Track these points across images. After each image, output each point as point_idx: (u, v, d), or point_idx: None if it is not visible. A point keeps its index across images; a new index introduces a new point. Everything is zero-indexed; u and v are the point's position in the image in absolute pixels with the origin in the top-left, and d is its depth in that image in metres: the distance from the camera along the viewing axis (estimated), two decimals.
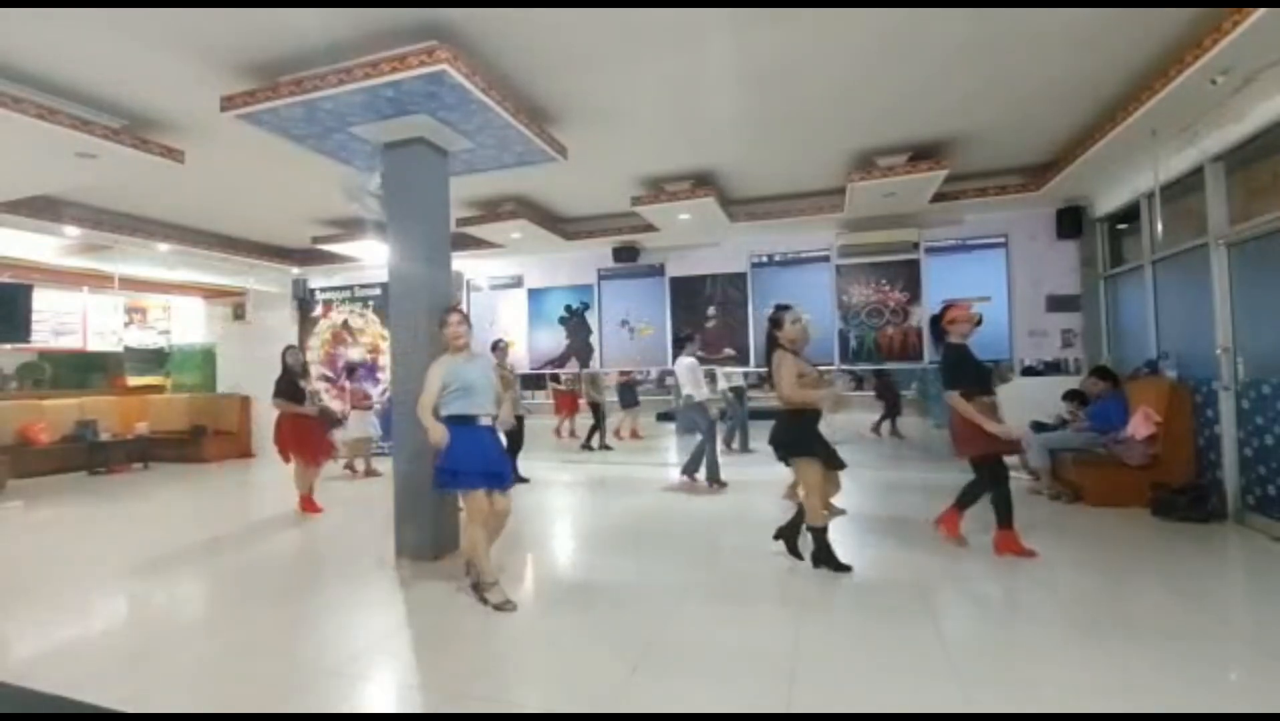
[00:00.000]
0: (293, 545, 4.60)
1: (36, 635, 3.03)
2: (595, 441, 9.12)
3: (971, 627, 2.88)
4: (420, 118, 3.86)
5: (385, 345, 8.45)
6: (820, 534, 3.60)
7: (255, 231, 7.68)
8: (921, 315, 7.01)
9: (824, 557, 3.57)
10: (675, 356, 6.56)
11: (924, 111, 4.53)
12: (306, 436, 5.53)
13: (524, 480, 6.38)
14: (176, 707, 2.30)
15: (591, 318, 8.31)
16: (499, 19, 3.23)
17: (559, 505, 5.82)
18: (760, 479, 6.13)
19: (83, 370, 9.01)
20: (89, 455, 7.96)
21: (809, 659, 2.52)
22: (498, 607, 3.08)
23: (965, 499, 3.96)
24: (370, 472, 7.27)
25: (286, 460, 5.55)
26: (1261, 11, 3.00)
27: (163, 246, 7.06)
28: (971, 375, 3.78)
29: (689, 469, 6.16)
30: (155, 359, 9.66)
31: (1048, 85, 4.13)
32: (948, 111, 4.54)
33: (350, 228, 7.30)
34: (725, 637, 2.79)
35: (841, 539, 4.27)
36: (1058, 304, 6.60)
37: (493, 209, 6.61)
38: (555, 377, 10.28)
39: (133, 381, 9.29)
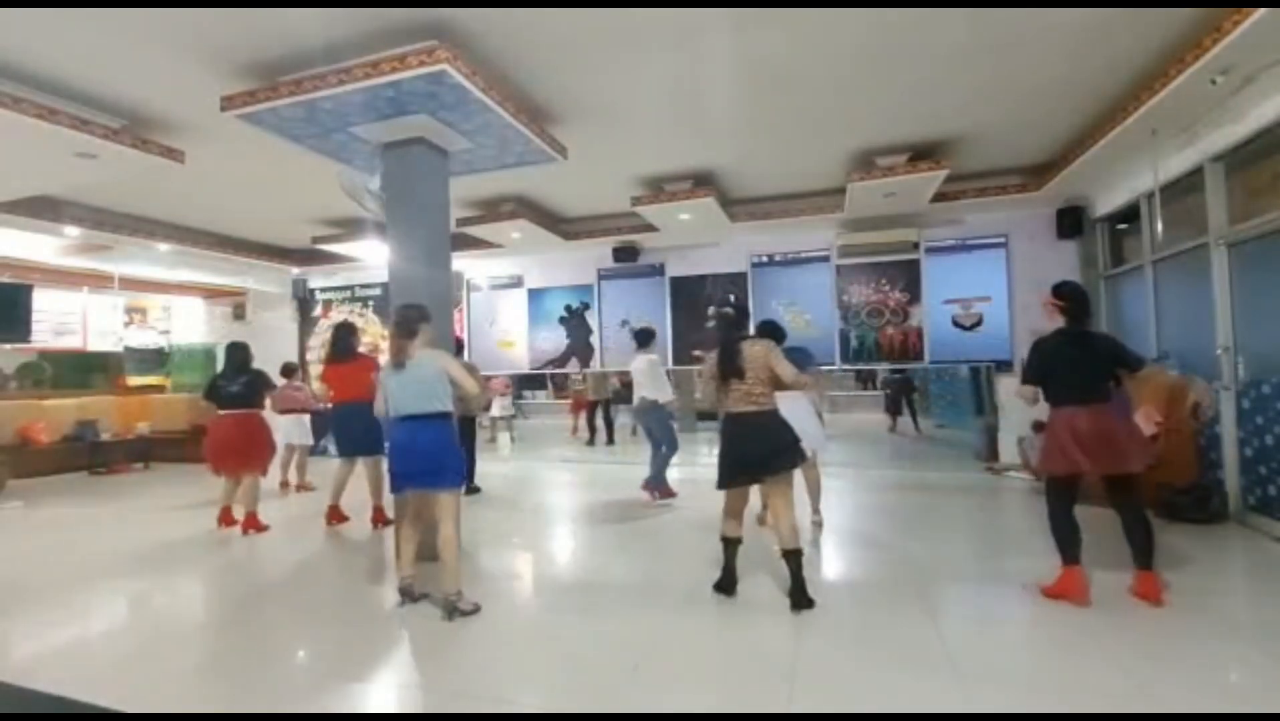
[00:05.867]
0: (292, 545, 4.60)
1: (37, 635, 3.03)
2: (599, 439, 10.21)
3: (972, 627, 2.88)
4: (420, 118, 3.86)
5: (385, 345, 8.43)
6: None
7: (255, 231, 7.68)
8: (922, 315, 7.01)
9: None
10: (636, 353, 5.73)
11: (924, 111, 4.53)
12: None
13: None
14: (176, 707, 2.30)
15: (591, 317, 8.30)
16: (499, 19, 3.23)
17: (557, 503, 5.82)
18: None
19: (83, 370, 9.00)
20: (89, 455, 7.98)
21: (809, 658, 2.52)
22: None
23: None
24: (303, 487, 6.50)
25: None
26: (1261, 11, 3.00)
27: (163, 246, 7.05)
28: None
29: (654, 481, 5.47)
30: (155, 359, 9.65)
31: (1048, 85, 4.12)
32: (948, 111, 4.54)
33: (350, 228, 7.30)
34: (726, 637, 2.80)
35: (841, 538, 4.28)
36: None
37: (493, 209, 6.61)
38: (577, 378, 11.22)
39: (133, 381, 9.29)
